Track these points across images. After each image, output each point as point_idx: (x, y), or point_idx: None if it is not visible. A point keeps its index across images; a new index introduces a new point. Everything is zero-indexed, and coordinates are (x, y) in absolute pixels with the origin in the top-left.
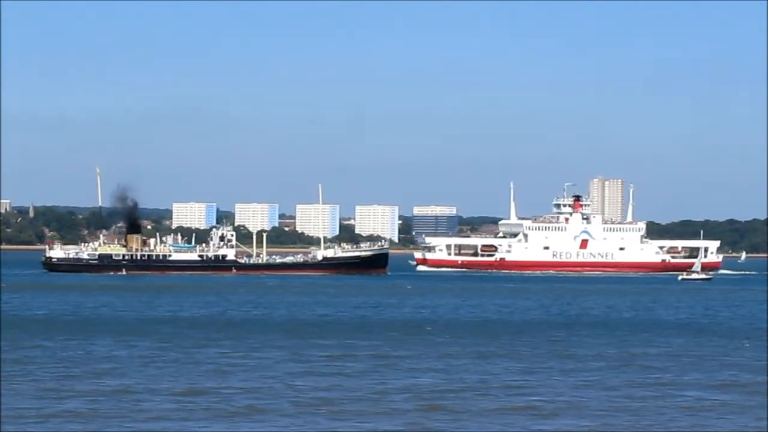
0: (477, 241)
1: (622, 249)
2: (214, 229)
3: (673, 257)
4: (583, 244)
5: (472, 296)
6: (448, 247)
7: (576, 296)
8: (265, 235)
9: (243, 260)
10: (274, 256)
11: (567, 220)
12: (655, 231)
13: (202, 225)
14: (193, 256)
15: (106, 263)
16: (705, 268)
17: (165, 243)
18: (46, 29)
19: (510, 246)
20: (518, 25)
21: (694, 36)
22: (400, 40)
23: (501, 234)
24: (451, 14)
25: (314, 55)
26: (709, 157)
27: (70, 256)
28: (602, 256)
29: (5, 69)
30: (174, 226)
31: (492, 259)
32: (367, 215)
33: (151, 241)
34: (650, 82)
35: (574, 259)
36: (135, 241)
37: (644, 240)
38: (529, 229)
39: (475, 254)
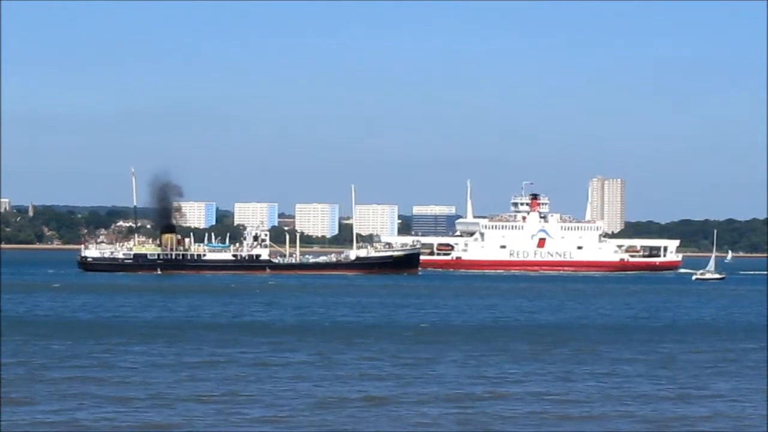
0: (433, 240)
1: (579, 248)
2: (248, 229)
3: (632, 256)
4: (541, 243)
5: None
6: (403, 246)
7: (593, 297)
8: (298, 235)
9: (277, 260)
10: (307, 256)
11: (524, 218)
12: (654, 231)
13: (201, 224)
14: (227, 255)
15: (141, 263)
16: (664, 267)
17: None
18: (45, 28)
19: (466, 245)
20: (519, 25)
21: (694, 36)
22: (400, 40)
23: (458, 233)
24: (452, 14)
25: (314, 55)
26: (708, 157)
27: (106, 255)
28: (560, 255)
29: (4, 67)
30: None
31: (448, 258)
32: (366, 215)
33: (186, 240)
34: (650, 81)
35: (531, 258)
36: (170, 240)
37: (602, 239)
38: (486, 227)
39: (432, 253)
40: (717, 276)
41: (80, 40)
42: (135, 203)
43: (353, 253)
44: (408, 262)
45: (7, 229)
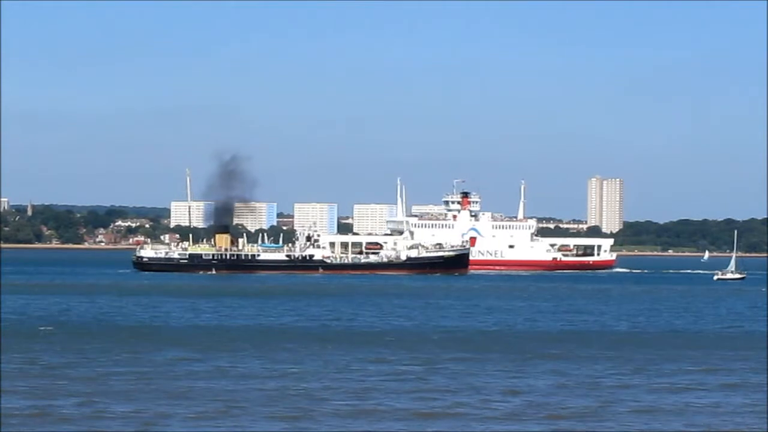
0: (362, 238)
1: (511, 247)
2: (300, 230)
3: (564, 255)
4: (472, 241)
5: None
6: (332, 244)
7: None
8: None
9: (329, 260)
10: (359, 256)
11: (455, 217)
12: (653, 230)
13: (200, 224)
14: (281, 255)
15: (196, 263)
16: (598, 266)
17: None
18: (47, 28)
19: (395, 243)
20: (519, 25)
21: (693, 36)
22: (399, 40)
23: (388, 231)
24: (452, 14)
25: (314, 55)
26: (707, 157)
27: (161, 255)
28: (491, 254)
29: (5, 66)
30: (172, 224)
31: None
32: (365, 214)
33: (240, 240)
34: (649, 81)
35: None
36: (224, 240)
37: (534, 238)
38: (415, 226)
39: (361, 252)
40: (738, 276)
41: (79, 39)
42: (189, 201)
43: (404, 253)
44: (458, 261)
45: (6, 229)
